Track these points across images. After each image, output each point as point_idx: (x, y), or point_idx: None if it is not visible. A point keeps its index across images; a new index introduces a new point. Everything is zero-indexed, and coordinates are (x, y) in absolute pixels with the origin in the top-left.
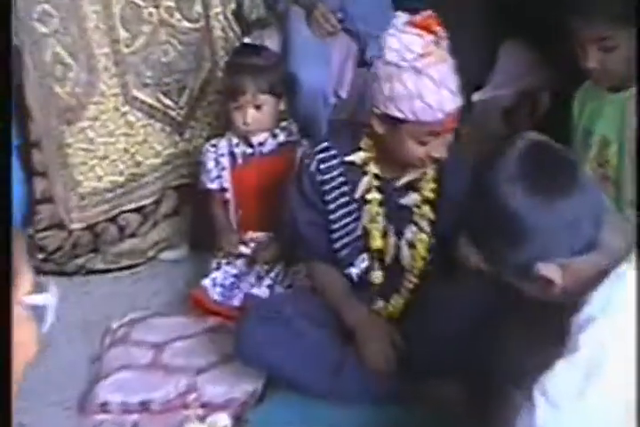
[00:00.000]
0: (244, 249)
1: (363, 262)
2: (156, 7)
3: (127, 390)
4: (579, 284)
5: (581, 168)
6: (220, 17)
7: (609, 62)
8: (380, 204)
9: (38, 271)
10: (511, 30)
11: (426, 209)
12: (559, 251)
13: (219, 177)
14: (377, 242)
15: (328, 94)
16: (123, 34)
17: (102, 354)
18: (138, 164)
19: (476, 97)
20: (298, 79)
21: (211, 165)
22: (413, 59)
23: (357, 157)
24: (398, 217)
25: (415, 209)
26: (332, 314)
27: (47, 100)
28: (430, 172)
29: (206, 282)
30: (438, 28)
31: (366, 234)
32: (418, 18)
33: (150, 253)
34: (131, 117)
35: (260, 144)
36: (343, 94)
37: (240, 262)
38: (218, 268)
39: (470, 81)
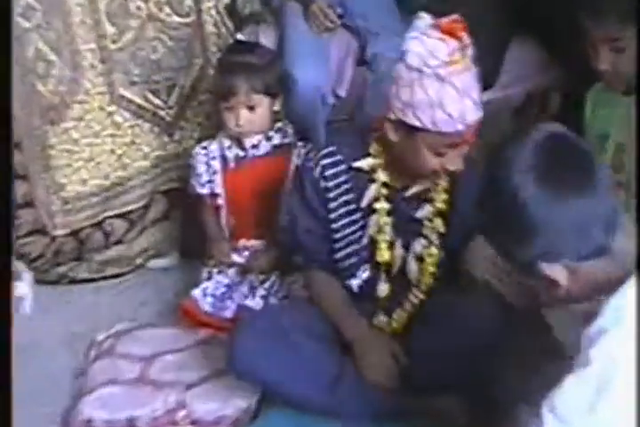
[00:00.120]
0: (236, 258)
1: (364, 274)
2: (145, 1)
3: (113, 406)
4: (585, 289)
5: (600, 167)
6: (213, 11)
7: (620, 64)
8: (388, 214)
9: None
10: (520, 28)
11: (437, 222)
12: (566, 252)
13: (210, 181)
14: (384, 254)
15: (326, 94)
16: (109, 29)
17: (87, 368)
18: (125, 166)
19: (484, 97)
20: (294, 78)
21: (201, 168)
22: (437, 66)
23: (365, 163)
24: (407, 229)
25: (426, 222)
26: (330, 326)
27: (29, 99)
28: (442, 182)
29: (197, 292)
30: (463, 34)
31: (372, 245)
32: (443, 21)
33: (138, 261)
34: (117, 117)
35: (254, 147)
36: (342, 94)
37: (232, 272)
38: (209, 277)
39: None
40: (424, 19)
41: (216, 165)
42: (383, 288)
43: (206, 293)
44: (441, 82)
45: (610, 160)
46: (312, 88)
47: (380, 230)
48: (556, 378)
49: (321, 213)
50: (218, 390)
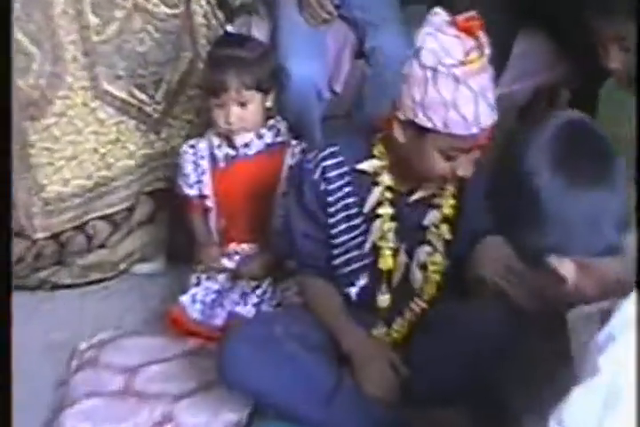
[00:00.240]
0: (226, 263)
1: (363, 281)
2: None
3: (96, 419)
4: (595, 288)
5: (618, 160)
6: (202, 2)
7: (629, 63)
8: (392, 219)
9: None
10: (528, 21)
11: (444, 228)
12: (575, 246)
13: (198, 182)
14: (388, 262)
15: (322, 89)
16: (93, 20)
17: (68, 378)
18: (109, 166)
19: None
20: (288, 72)
21: (189, 168)
22: (452, 65)
23: (369, 165)
24: (411, 235)
25: (432, 228)
26: (327, 336)
27: None
28: (449, 186)
29: (185, 299)
30: (480, 33)
31: (374, 252)
32: (460, 18)
33: (122, 266)
34: (101, 114)
35: (245, 145)
36: (338, 89)
37: (223, 277)
38: (198, 283)
39: None
40: (439, 15)
41: (205, 164)
42: (384, 298)
43: (195, 299)
44: (456, 82)
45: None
46: (307, 83)
47: (382, 237)
48: (566, 387)
49: (320, 217)
50: (207, 403)
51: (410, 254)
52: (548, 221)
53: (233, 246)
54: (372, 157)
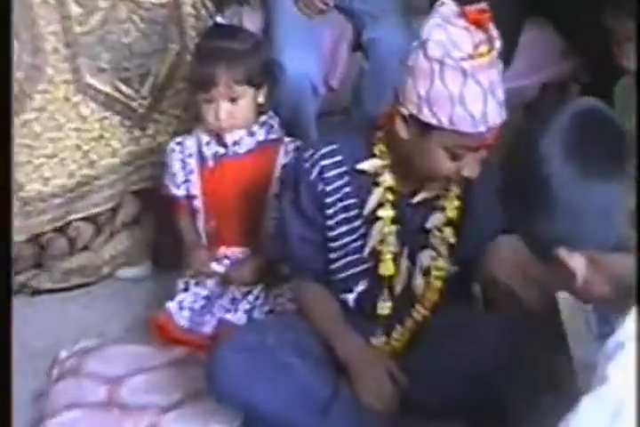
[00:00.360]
0: (216, 267)
1: (361, 287)
2: None
3: None
4: (605, 286)
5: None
6: None
7: None
8: (393, 222)
9: None
10: (534, 13)
11: (447, 231)
12: (586, 239)
13: (186, 182)
14: (389, 267)
15: (317, 84)
16: (75, 9)
17: (49, 388)
18: (92, 164)
19: None
20: (281, 66)
21: (176, 167)
22: (461, 58)
23: (369, 164)
24: (413, 239)
25: (435, 231)
26: (322, 344)
27: None
28: (454, 188)
29: (172, 305)
30: (491, 26)
31: (374, 256)
32: (470, 10)
33: (106, 270)
34: (84, 109)
35: (235, 143)
36: (335, 84)
37: (212, 283)
38: (186, 288)
39: None
40: (448, 5)
41: (193, 163)
42: (385, 305)
43: (183, 306)
44: (464, 76)
45: None
46: (302, 77)
47: (383, 240)
48: (574, 398)
49: (317, 219)
50: (195, 415)
51: (412, 259)
52: (558, 210)
53: (223, 250)
54: (373, 155)
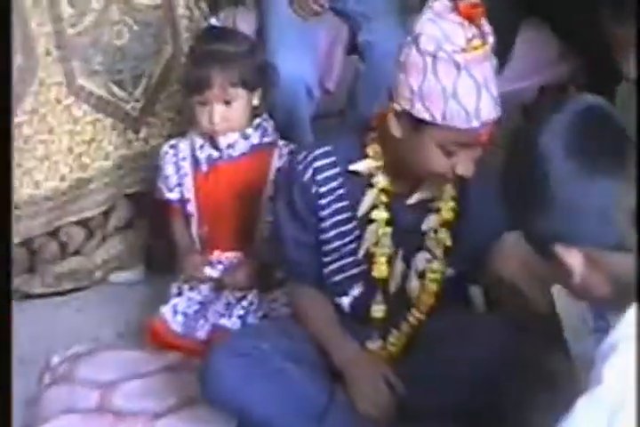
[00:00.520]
0: (210, 272)
1: (356, 291)
2: None
3: None
4: (604, 285)
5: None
6: None
7: None
8: (388, 224)
9: None
10: (533, 11)
11: (443, 233)
12: (584, 236)
13: (179, 185)
14: (382, 269)
15: (312, 86)
16: (67, 10)
17: (40, 395)
18: (84, 167)
19: None
20: (276, 69)
21: (170, 170)
22: (454, 51)
23: (363, 165)
24: (408, 241)
25: (430, 233)
26: (317, 349)
27: None
28: (449, 188)
29: (165, 310)
30: (484, 21)
31: (368, 259)
32: (463, 4)
33: (98, 275)
34: (76, 111)
35: (229, 146)
36: (330, 87)
37: (206, 288)
38: (179, 293)
39: None
40: (440, 1)
41: (186, 166)
42: (379, 308)
43: (176, 311)
44: (457, 69)
45: None
46: (297, 80)
47: (377, 242)
48: (573, 398)
49: (311, 221)
50: (189, 420)
51: (407, 262)
52: (556, 206)
53: (217, 254)
54: (366, 156)
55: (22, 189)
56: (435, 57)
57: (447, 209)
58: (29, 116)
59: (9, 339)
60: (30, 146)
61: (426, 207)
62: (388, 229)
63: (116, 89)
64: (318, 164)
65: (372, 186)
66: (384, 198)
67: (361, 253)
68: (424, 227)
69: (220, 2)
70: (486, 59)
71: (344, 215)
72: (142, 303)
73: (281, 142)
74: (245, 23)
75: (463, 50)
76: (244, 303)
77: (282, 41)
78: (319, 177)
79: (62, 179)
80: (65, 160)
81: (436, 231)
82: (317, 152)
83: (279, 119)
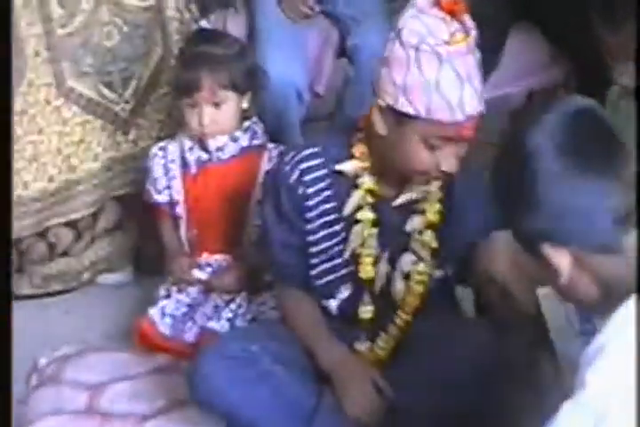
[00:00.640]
0: (198, 274)
1: (344, 293)
2: None
3: None
4: (590, 286)
5: (627, 158)
6: None
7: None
8: (374, 225)
9: None
10: (523, 13)
11: (428, 235)
12: (570, 237)
13: (168, 187)
14: (368, 270)
15: (302, 89)
16: (57, 11)
17: (28, 396)
18: (73, 168)
19: None
20: (266, 71)
21: (158, 172)
22: (436, 44)
23: (349, 166)
24: (394, 242)
25: (416, 235)
26: (305, 352)
27: None
28: (435, 190)
29: (154, 312)
30: (466, 17)
31: (354, 260)
32: (445, 0)
33: (86, 276)
34: (65, 112)
35: (218, 149)
36: (320, 90)
37: (194, 290)
38: (167, 295)
39: None
40: None
41: (175, 168)
42: (366, 309)
43: (165, 313)
44: (440, 62)
45: None
46: (286, 83)
47: (363, 243)
48: (560, 400)
49: (298, 223)
50: (177, 423)
51: (393, 263)
52: (545, 205)
53: (205, 257)
54: (352, 157)
55: None
56: (417, 49)
57: (433, 212)
58: (19, 117)
59: (9, 339)
60: (19, 146)
61: (412, 209)
62: (374, 230)
63: (105, 90)
64: (305, 165)
65: (358, 187)
66: (370, 199)
67: (347, 253)
68: (407, 228)
69: (211, 4)
70: (469, 52)
71: (331, 217)
72: (130, 305)
73: (270, 145)
74: (236, 26)
75: (446, 42)
76: (233, 306)
77: (272, 44)
78: (306, 178)
79: (51, 180)
80: (54, 161)
81: (420, 233)
82: (304, 153)
83: (269, 122)
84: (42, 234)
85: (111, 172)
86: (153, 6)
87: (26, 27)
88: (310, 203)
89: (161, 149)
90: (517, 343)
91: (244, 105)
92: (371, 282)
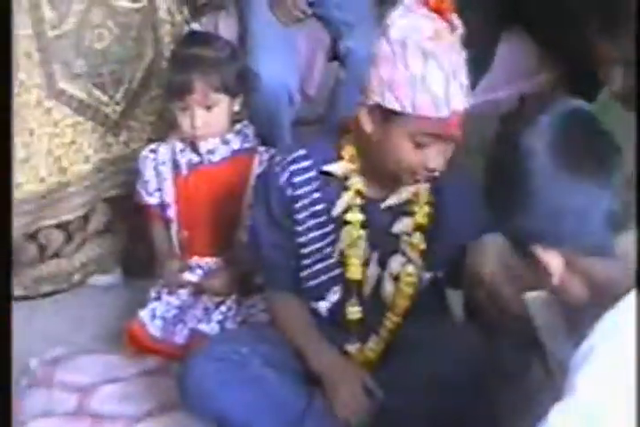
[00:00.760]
0: (189, 277)
1: (334, 295)
2: None
3: None
4: (582, 289)
5: (619, 160)
6: None
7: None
8: (363, 226)
9: None
10: (514, 18)
11: (417, 237)
12: (562, 239)
13: (159, 190)
14: (356, 271)
15: (293, 92)
16: (48, 13)
17: (18, 398)
18: (63, 170)
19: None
20: (257, 74)
21: (149, 174)
22: (422, 40)
23: (338, 167)
24: (383, 244)
25: (405, 237)
26: (296, 355)
27: None
28: (424, 192)
29: (144, 314)
30: (452, 16)
31: (343, 261)
32: None
33: (77, 278)
34: (56, 114)
35: (210, 152)
36: (311, 93)
37: (184, 292)
38: (158, 298)
39: None
40: None
41: (166, 171)
42: (355, 310)
43: (155, 315)
44: (425, 57)
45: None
46: (278, 86)
47: (352, 244)
48: (552, 401)
49: (287, 225)
50: (167, 425)
51: (382, 265)
52: (537, 205)
53: (196, 260)
54: (341, 158)
55: None
56: (403, 45)
57: (422, 214)
58: None
59: (9, 339)
60: None
61: (401, 210)
62: (363, 232)
63: (96, 92)
64: (295, 167)
65: (347, 189)
66: (359, 201)
67: (336, 255)
68: (395, 229)
69: (202, 7)
70: (455, 48)
71: (321, 218)
72: (121, 307)
73: (261, 148)
74: (227, 29)
75: (430, 39)
76: (223, 309)
77: (263, 47)
78: (295, 180)
79: (41, 181)
80: (44, 163)
81: (409, 234)
82: (294, 155)
83: (260, 125)
84: (32, 236)
85: (102, 173)
86: (144, 8)
87: (16, 28)
88: (300, 204)
89: (152, 151)
90: (507, 346)
91: (236, 108)
92: (359, 283)
